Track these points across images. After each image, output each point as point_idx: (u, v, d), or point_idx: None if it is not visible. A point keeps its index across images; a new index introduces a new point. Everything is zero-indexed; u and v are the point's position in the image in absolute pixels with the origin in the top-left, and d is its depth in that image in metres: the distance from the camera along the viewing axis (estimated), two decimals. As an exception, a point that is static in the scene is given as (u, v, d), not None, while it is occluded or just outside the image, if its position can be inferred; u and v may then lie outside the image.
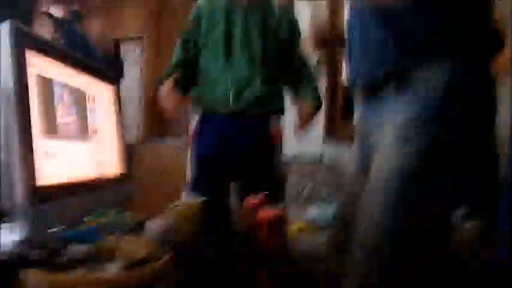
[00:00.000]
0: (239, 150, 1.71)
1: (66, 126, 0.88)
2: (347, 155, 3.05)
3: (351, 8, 1.19)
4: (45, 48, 0.84)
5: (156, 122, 5.02)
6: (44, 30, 2.41)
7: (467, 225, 2.45)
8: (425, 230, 0.99)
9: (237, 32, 1.71)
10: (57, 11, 2.72)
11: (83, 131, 0.96)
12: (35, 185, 0.73)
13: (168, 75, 1.75)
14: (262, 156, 1.73)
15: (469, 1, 1.01)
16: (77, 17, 2.88)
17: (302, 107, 1.82)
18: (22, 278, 0.71)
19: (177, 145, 4.49)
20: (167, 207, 1.29)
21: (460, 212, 2.50)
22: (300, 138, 1.98)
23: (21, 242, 0.76)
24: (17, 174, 0.71)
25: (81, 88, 0.98)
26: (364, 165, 1.19)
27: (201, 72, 1.79)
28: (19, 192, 0.71)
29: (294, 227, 2.47)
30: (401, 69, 1.04)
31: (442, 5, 0.99)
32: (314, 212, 2.72)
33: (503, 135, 1.26)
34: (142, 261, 0.81)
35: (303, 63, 1.89)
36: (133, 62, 4.60)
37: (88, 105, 1.00)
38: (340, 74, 3.19)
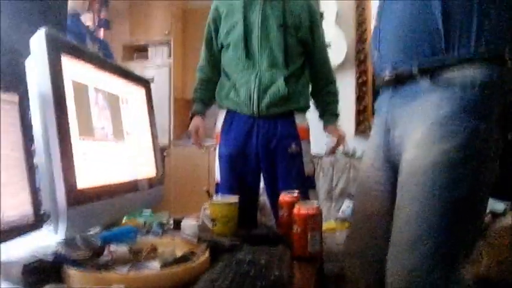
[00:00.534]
0: (266, 149, 1.70)
1: (101, 129, 0.90)
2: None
3: None
4: (79, 54, 0.85)
5: (186, 124, 5.08)
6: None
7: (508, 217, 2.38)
8: (469, 220, 0.97)
9: (256, 30, 1.70)
10: (87, 20, 2.79)
11: (118, 134, 0.98)
12: (74, 187, 0.75)
13: (194, 99, 1.89)
14: (290, 154, 1.71)
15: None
16: (105, 25, 2.95)
17: (331, 131, 1.85)
18: (65, 278, 0.73)
19: (206, 145, 4.54)
20: (200, 206, 1.30)
21: (500, 205, 2.43)
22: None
23: (63, 242, 0.78)
24: (57, 177, 0.72)
25: (114, 91, 0.99)
26: (385, 156, 1.16)
27: (224, 72, 1.79)
28: (59, 194, 0.73)
29: (324, 225, 2.46)
30: (437, 65, 1.02)
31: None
32: (347, 208, 2.68)
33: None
34: (180, 260, 0.82)
35: (326, 69, 1.88)
36: (162, 65, 4.66)
37: (122, 108, 1.02)
38: (369, 72, 3.15)
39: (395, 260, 1.01)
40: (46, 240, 0.84)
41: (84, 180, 0.78)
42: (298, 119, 1.75)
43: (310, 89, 1.85)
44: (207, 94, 1.85)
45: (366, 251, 1.20)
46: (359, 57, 3.19)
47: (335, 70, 1.93)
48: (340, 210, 2.75)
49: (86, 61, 0.88)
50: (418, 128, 1.04)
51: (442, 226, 0.96)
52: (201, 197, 1.30)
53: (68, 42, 0.83)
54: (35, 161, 0.77)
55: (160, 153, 1.24)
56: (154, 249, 0.92)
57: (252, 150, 1.71)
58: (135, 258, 0.87)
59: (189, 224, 1.15)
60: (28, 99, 0.76)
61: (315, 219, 1.02)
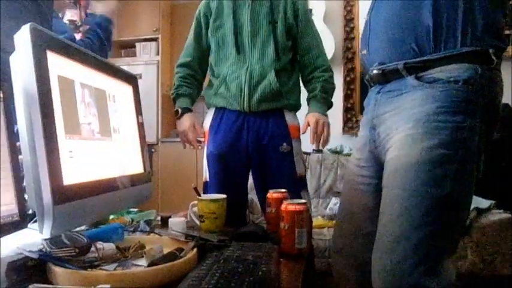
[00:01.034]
0: (256, 146, 1.70)
1: (88, 126, 0.89)
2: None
3: None
4: (65, 50, 0.84)
5: (173, 121, 5.06)
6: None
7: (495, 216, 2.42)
8: (452, 216, 0.98)
9: (246, 25, 1.70)
10: (73, 15, 2.75)
11: (105, 131, 0.97)
12: (60, 184, 0.74)
13: (178, 95, 1.80)
14: (282, 153, 1.70)
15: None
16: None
17: (307, 120, 1.72)
18: (51, 276, 0.73)
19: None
20: (188, 203, 1.30)
21: (487, 203, 2.46)
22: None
23: (48, 240, 0.77)
24: (43, 175, 0.72)
25: (101, 88, 0.99)
26: (371, 154, 1.17)
27: (212, 69, 1.78)
28: (45, 192, 0.72)
29: (313, 222, 2.47)
30: (423, 63, 1.03)
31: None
32: (334, 206, 2.70)
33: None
34: (168, 257, 0.82)
35: (319, 60, 1.80)
36: (150, 62, 4.63)
37: (109, 105, 1.01)
38: (357, 70, 3.17)
39: (381, 256, 1.02)
40: (31, 239, 0.83)
41: (70, 178, 0.78)
42: (288, 118, 1.73)
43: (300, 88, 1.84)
44: (193, 90, 1.83)
45: (351, 248, 1.22)
46: (347, 55, 3.21)
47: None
48: (328, 207, 2.77)
49: (72, 57, 0.87)
50: (402, 126, 1.05)
51: (426, 222, 0.97)
52: (188, 194, 1.30)
53: (54, 38, 0.82)
54: (20, 158, 0.76)
55: (148, 151, 1.23)
56: (141, 246, 0.92)
57: (242, 147, 1.70)
58: (122, 256, 0.87)
59: (177, 221, 1.15)
60: (13, 95, 0.75)
61: (303, 215, 1.03)
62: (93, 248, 0.82)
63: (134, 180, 1.08)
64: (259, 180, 1.75)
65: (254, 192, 1.81)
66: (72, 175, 0.79)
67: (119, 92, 1.09)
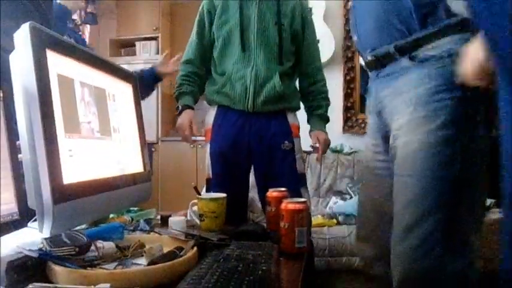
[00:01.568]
0: (258, 146, 1.70)
1: (88, 125, 0.89)
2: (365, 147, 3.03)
3: None
4: (65, 49, 0.84)
5: (173, 120, 5.06)
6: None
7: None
8: (467, 195, 0.97)
9: (252, 24, 1.69)
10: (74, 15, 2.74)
11: (104, 129, 0.97)
12: (60, 183, 0.74)
13: (181, 94, 1.79)
14: (284, 151, 1.72)
15: None
16: (91, 19, 2.90)
17: (316, 136, 1.81)
18: (51, 275, 0.73)
19: (196, 140, 4.52)
20: (188, 202, 1.30)
21: (487, 202, 2.45)
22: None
23: (48, 239, 0.77)
24: (43, 174, 0.72)
25: (101, 87, 0.98)
26: (383, 138, 1.17)
27: (215, 67, 1.78)
28: (45, 191, 0.72)
29: (313, 221, 2.47)
30: (413, 42, 1.02)
31: None
32: (334, 205, 2.70)
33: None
34: (167, 256, 0.82)
35: (316, 69, 1.86)
36: (149, 61, 4.62)
37: (108, 103, 1.01)
38: (357, 69, 3.17)
39: (399, 240, 1.02)
40: (31, 238, 0.83)
41: (70, 177, 0.78)
42: (290, 117, 1.76)
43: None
44: (195, 88, 1.82)
45: (376, 234, 1.21)
46: (347, 54, 3.21)
47: (323, 67, 1.92)
48: (328, 206, 2.76)
49: (72, 56, 0.87)
50: (403, 110, 1.04)
51: (440, 205, 0.96)
52: (188, 193, 1.30)
53: (53, 37, 0.82)
54: (19, 157, 0.76)
55: (148, 149, 1.23)
56: (141, 245, 0.92)
57: (244, 145, 1.71)
58: (122, 254, 0.87)
59: (177, 220, 1.15)
60: (12, 94, 0.75)
61: (302, 214, 1.03)
62: (93, 247, 0.82)
63: (134, 179, 1.08)
64: (261, 178, 1.75)
65: (255, 190, 1.81)
66: (72, 174, 0.79)
67: (119, 90, 1.09)
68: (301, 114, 1.85)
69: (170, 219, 1.17)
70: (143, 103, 1.22)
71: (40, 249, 0.77)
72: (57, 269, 0.72)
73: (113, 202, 1.00)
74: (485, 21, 0.80)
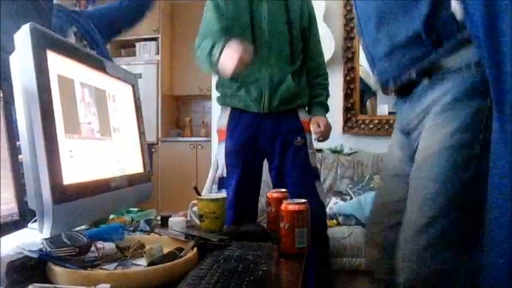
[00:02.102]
0: (272, 145, 1.73)
1: (88, 126, 0.89)
2: (364, 147, 3.04)
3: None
4: (65, 49, 0.84)
5: (173, 120, 5.06)
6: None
7: None
8: (480, 199, 0.97)
9: (263, 23, 1.68)
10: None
11: (105, 130, 0.97)
12: (60, 184, 0.74)
13: (213, 47, 1.54)
14: (297, 146, 1.75)
15: None
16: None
17: (317, 120, 1.82)
18: (51, 276, 0.73)
19: (193, 142, 4.53)
20: (188, 203, 1.30)
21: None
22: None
23: (48, 240, 0.77)
24: (43, 174, 0.72)
25: (101, 87, 0.98)
26: (411, 156, 1.17)
27: None
28: (45, 191, 0.72)
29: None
30: (431, 64, 1.04)
31: None
32: (334, 205, 2.70)
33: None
34: (168, 257, 0.82)
35: (320, 64, 1.89)
36: (150, 61, 4.63)
37: (108, 104, 1.01)
38: (357, 69, 3.16)
39: (409, 242, 1.02)
40: (31, 238, 0.83)
41: (70, 177, 0.78)
42: (301, 114, 1.80)
43: None
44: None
45: (387, 239, 1.21)
46: (347, 55, 3.20)
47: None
48: (328, 207, 2.76)
49: (72, 57, 0.87)
50: (426, 123, 1.07)
51: (454, 207, 0.97)
52: (188, 193, 1.30)
53: (54, 37, 0.82)
54: (19, 157, 0.76)
55: (148, 150, 1.23)
56: (141, 246, 0.92)
57: (258, 143, 1.75)
58: (122, 255, 0.87)
59: (177, 221, 1.15)
60: (12, 94, 0.75)
61: (303, 215, 1.03)
62: (93, 248, 0.82)
63: (134, 180, 1.08)
64: (276, 177, 1.80)
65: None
66: (72, 174, 0.79)
67: (119, 91, 1.09)
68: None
69: (170, 219, 1.17)
70: (143, 103, 1.22)
71: (40, 250, 0.77)
72: (57, 270, 0.72)
73: (113, 203, 0.99)
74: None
